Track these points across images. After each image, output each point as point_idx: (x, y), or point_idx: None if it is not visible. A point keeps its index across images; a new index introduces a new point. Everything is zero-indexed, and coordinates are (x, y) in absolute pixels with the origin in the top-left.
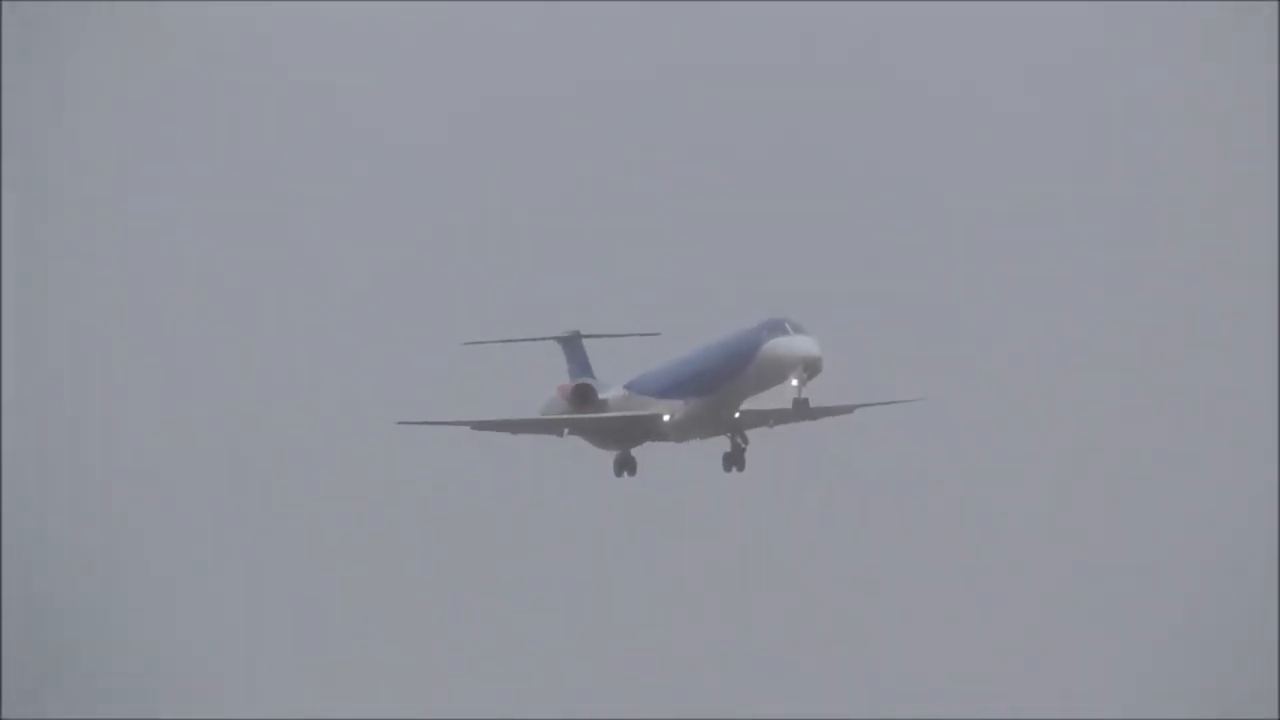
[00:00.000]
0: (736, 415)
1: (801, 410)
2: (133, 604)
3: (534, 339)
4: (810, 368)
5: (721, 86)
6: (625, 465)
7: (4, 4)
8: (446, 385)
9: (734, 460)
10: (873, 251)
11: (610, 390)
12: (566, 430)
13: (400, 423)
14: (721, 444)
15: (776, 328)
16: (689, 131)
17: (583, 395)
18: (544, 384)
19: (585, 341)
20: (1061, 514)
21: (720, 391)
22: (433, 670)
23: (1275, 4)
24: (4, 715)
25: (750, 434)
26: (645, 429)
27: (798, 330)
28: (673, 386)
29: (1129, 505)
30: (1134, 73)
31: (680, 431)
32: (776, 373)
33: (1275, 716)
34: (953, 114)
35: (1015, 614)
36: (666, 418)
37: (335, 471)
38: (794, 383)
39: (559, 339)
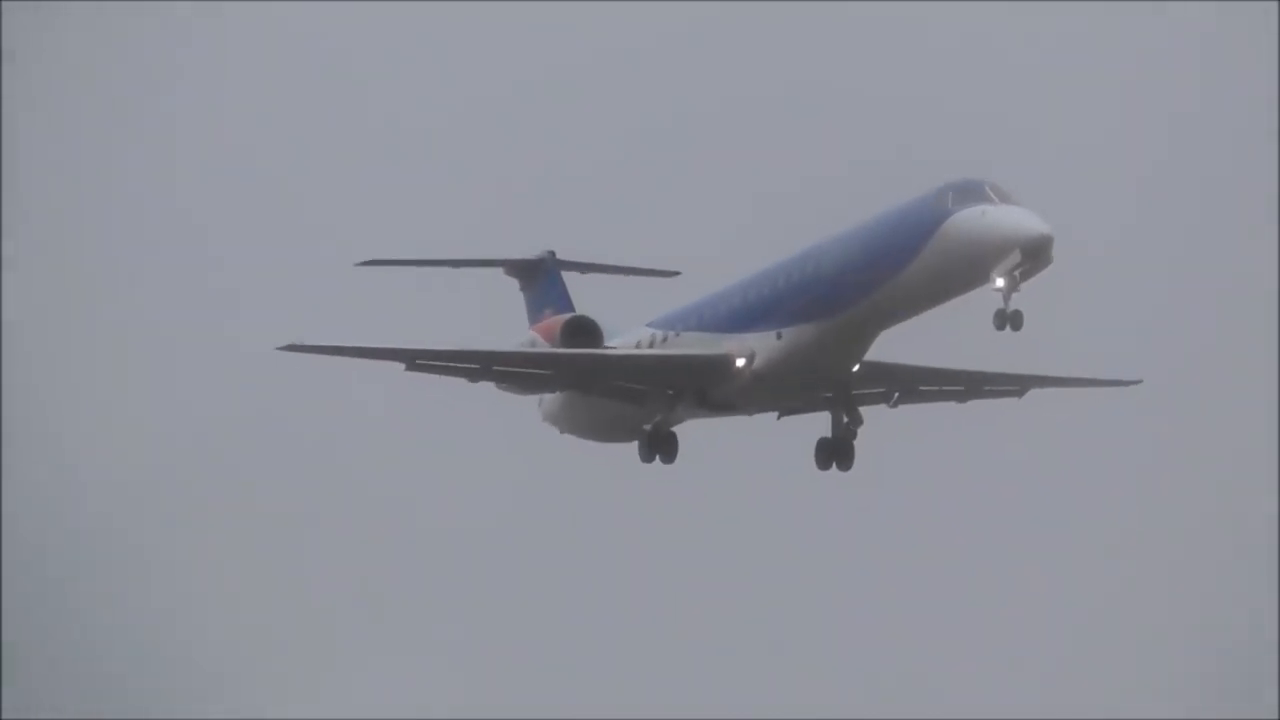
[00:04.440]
0: (856, 367)
1: (1010, 326)
2: (133, 603)
3: (475, 263)
4: (1033, 256)
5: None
6: (659, 444)
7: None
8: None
9: (837, 450)
10: None
11: (625, 334)
12: (554, 386)
13: (283, 348)
14: (816, 424)
15: (971, 191)
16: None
17: (580, 331)
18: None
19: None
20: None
21: (856, 308)
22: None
23: (1275, 4)
24: (4, 716)
25: (864, 412)
26: (698, 384)
27: (1005, 199)
28: (754, 310)
29: (1128, 501)
30: (1132, 73)
31: (760, 391)
32: (970, 266)
33: (1275, 717)
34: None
35: (1012, 613)
36: (741, 362)
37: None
38: (999, 284)
39: (516, 265)
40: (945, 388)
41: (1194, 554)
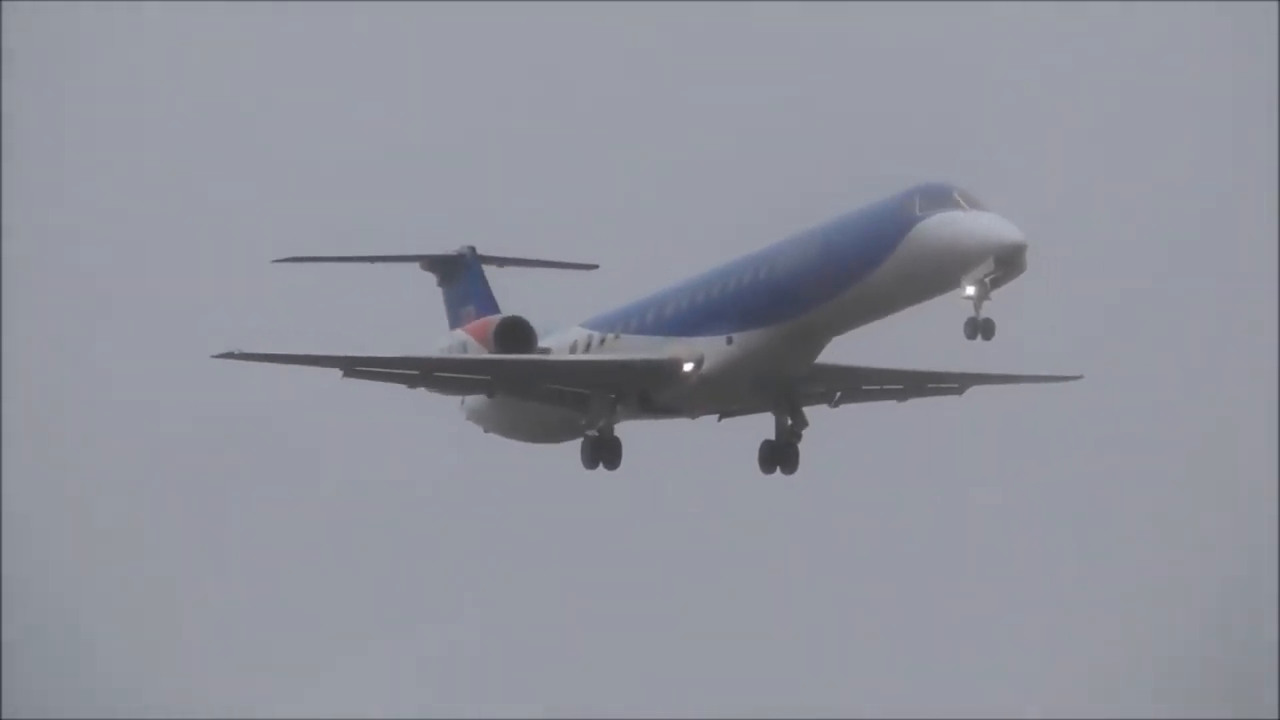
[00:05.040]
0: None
1: (981, 336)
2: (133, 604)
3: (393, 259)
4: (1007, 263)
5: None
6: (602, 451)
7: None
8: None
9: (781, 455)
10: None
11: (558, 334)
12: (493, 390)
13: (219, 355)
14: (759, 425)
15: (939, 196)
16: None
17: (513, 333)
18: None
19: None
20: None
21: (812, 313)
22: None
23: (1275, 3)
24: (4, 716)
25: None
26: (642, 388)
27: (974, 204)
28: (701, 312)
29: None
30: (1131, 73)
31: (706, 395)
32: (940, 274)
33: (1275, 717)
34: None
35: (958, 614)
36: (689, 366)
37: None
38: (970, 292)
39: (435, 261)
40: (886, 386)
41: (1137, 548)
